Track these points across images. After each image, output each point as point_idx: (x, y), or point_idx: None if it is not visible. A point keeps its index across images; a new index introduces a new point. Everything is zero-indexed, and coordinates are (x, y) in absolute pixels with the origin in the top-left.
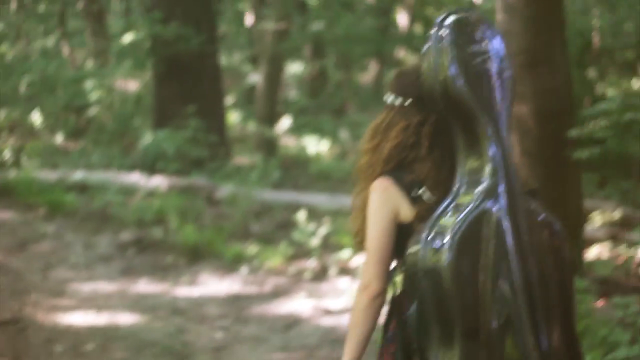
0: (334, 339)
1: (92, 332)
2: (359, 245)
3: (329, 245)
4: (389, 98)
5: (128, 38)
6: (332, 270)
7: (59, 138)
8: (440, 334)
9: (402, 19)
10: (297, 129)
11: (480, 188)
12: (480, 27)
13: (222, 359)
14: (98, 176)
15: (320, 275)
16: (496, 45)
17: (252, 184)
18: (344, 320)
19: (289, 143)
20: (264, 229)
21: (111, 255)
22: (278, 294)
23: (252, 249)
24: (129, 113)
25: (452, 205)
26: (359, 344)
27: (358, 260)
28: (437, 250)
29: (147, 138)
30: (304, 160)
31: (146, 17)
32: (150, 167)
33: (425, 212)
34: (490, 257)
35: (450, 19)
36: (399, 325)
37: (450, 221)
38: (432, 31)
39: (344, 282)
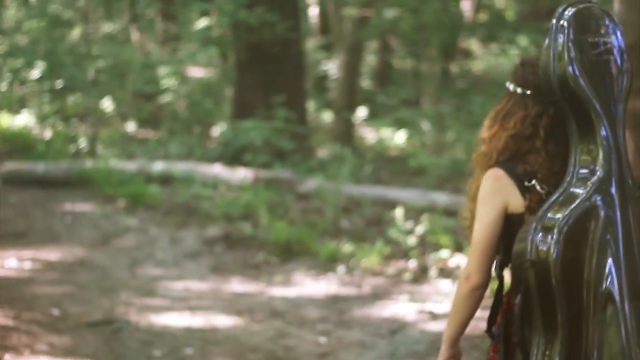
0: None
1: (189, 334)
2: (469, 232)
3: (426, 244)
4: (510, 86)
5: (203, 23)
6: (433, 272)
7: (131, 126)
8: (543, 325)
9: (466, 6)
10: (373, 120)
11: (591, 180)
12: (600, 19)
13: None
14: (179, 167)
15: (420, 276)
16: (615, 37)
17: (343, 178)
18: None
19: (365, 134)
20: (354, 226)
21: (199, 252)
22: (378, 295)
23: (347, 247)
24: (204, 101)
25: (562, 197)
26: (457, 328)
27: (457, 261)
28: (545, 243)
29: (229, 128)
30: (387, 152)
31: (230, 1)
32: (232, 158)
33: (536, 204)
34: (597, 250)
35: (570, 10)
36: (504, 321)
37: (559, 213)
38: (552, 22)
39: (446, 285)
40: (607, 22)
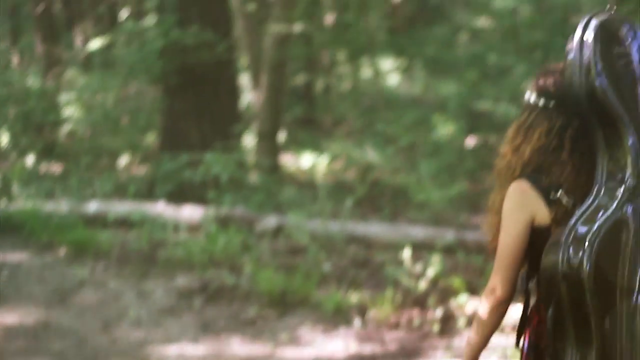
0: None
1: None
2: (491, 246)
3: (438, 288)
4: (531, 97)
5: (96, 44)
6: (460, 321)
7: (30, 159)
8: (577, 338)
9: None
10: (290, 144)
11: (620, 191)
12: (623, 28)
13: None
14: (117, 208)
15: (447, 327)
16: (638, 46)
17: (324, 213)
18: None
19: (285, 160)
20: (338, 269)
21: (175, 307)
22: (409, 354)
23: (354, 296)
24: (125, 129)
25: (591, 208)
26: (480, 344)
27: (474, 306)
28: (576, 255)
29: (167, 161)
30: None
31: (162, 20)
32: (174, 195)
33: (563, 216)
34: (630, 261)
35: (595, 21)
36: (534, 334)
37: (589, 225)
38: (576, 33)
39: None
40: (630, 30)
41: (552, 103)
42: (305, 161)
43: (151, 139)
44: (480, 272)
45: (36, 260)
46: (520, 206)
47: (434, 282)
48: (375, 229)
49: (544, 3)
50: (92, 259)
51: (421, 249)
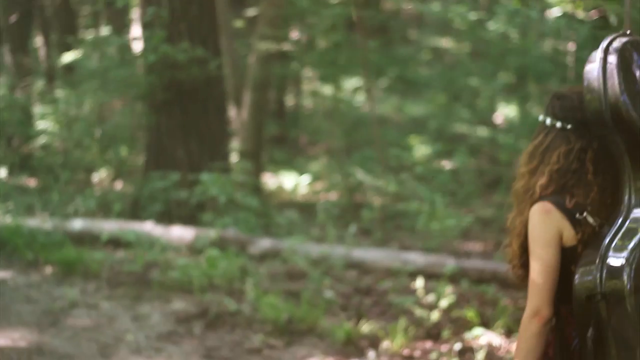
0: None
1: None
2: (514, 270)
3: (450, 319)
4: (547, 120)
5: (69, 57)
6: (479, 355)
7: (2, 172)
8: (619, 357)
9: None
10: (268, 163)
11: None
12: None
13: None
14: (103, 226)
15: None
16: None
17: (329, 237)
18: None
19: (265, 179)
20: (342, 296)
21: (174, 333)
22: None
23: (366, 326)
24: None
25: (623, 229)
26: None
27: (488, 339)
28: (615, 275)
29: (156, 180)
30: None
31: (153, 35)
32: (162, 214)
33: (589, 236)
34: None
35: (617, 43)
36: (562, 352)
37: (625, 246)
38: (598, 56)
39: None
40: None
41: (569, 125)
42: (288, 181)
43: (134, 155)
44: (492, 303)
45: (21, 279)
46: (547, 227)
47: (446, 313)
48: (373, 254)
49: (531, 29)
50: (81, 279)
51: (421, 277)
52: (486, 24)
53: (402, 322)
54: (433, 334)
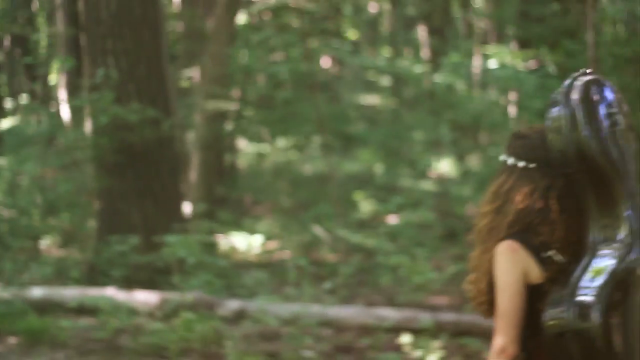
0: None
1: None
2: (480, 308)
3: None
4: (509, 160)
5: (7, 123)
6: None
7: None
8: None
9: None
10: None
11: (617, 246)
12: (605, 90)
13: None
14: (64, 293)
15: None
16: (621, 104)
17: (305, 296)
18: None
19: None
20: (322, 355)
21: None
22: None
23: None
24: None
25: (591, 265)
26: None
27: None
28: (586, 312)
29: (114, 245)
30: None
31: (101, 96)
32: (125, 279)
33: (556, 274)
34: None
35: (579, 82)
36: None
37: (593, 281)
38: (561, 95)
39: None
40: (611, 92)
41: (532, 164)
42: (239, 241)
43: (81, 221)
44: (476, 356)
45: None
46: (513, 265)
47: None
48: (346, 312)
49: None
50: (48, 349)
51: (399, 332)
52: (432, 76)
53: None
54: None
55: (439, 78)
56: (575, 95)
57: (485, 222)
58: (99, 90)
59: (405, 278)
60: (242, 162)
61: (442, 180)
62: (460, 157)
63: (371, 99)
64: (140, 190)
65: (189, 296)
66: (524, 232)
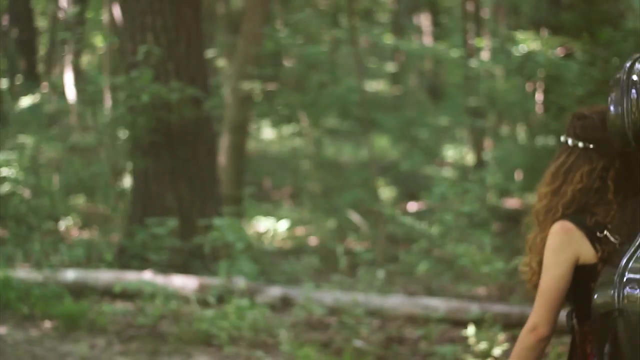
0: None
1: None
2: (534, 289)
3: None
4: (569, 140)
5: (27, 101)
6: None
7: None
8: None
9: None
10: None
11: None
12: None
13: None
14: (98, 276)
15: None
16: None
17: (362, 283)
18: None
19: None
20: (374, 345)
21: None
22: None
23: None
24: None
25: None
26: None
27: None
28: (633, 292)
29: (153, 227)
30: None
31: (140, 74)
32: (157, 263)
33: (609, 254)
34: None
35: (639, 63)
36: None
37: None
38: (621, 76)
39: None
40: None
41: (591, 145)
42: (267, 226)
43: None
44: None
45: (19, 335)
46: (565, 246)
47: None
48: (392, 301)
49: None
50: (86, 334)
51: (446, 323)
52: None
53: None
54: None
55: (475, 63)
56: (636, 77)
57: (544, 204)
58: (138, 68)
59: (485, 267)
60: (257, 146)
61: (461, 167)
62: (480, 145)
63: (375, 85)
64: (175, 171)
65: (230, 282)
66: (580, 212)
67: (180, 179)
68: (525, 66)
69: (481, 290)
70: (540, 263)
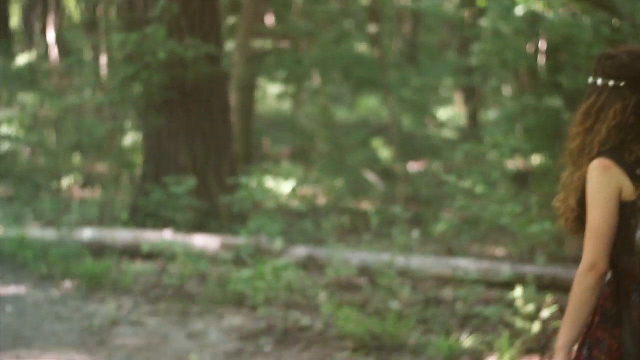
0: None
1: None
2: (567, 225)
3: (548, 331)
4: (598, 80)
5: (23, 59)
6: None
7: None
8: None
9: None
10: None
11: None
12: None
13: None
14: (116, 235)
15: None
16: None
17: (398, 245)
18: None
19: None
20: (409, 306)
21: (242, 351)
22: None
23: (467, 340)
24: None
25: None
26: (580, 323)
27: None
28: None
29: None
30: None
31: (155, 31)
32: (172, 222)
33: None
34: None
35: None
36: (626, 308)
37: None
38: None
39: None
40: None
41: (622, 82)
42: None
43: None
44: None
45: (39, 295)
46: (606, 183)
47: (546, 324)
48: (420, 261)
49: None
50: (110, 294)
51: (478, 284)
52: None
53: (506, 337)
54: (537, 348)
55: (485, 22)
56: None
57: (577, 142)
58: (150, 24)
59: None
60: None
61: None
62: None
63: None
64: (189, 129)
65: (252, 241)
66: (617, 149)
67: (194, 136)
68: (534, 26)
69: (499, 251)
70: (579, 201)
